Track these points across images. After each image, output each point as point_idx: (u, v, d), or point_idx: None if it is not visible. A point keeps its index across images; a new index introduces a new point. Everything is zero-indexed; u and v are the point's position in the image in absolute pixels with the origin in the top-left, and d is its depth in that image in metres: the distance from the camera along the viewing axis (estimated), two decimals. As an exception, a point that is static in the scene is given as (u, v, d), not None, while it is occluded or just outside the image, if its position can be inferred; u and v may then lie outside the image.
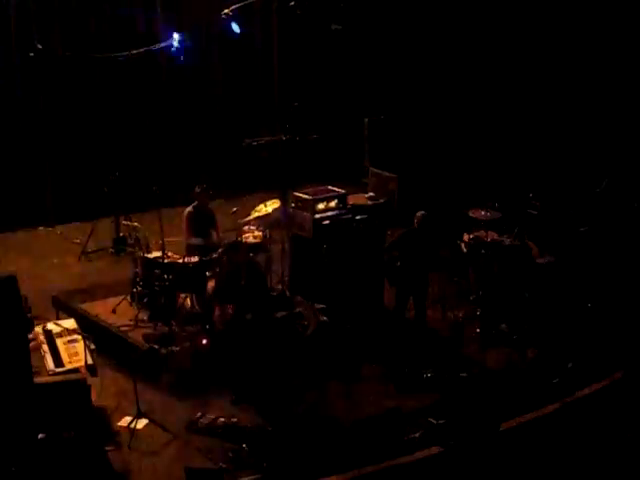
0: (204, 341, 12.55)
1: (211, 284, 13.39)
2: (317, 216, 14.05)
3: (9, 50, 14.18)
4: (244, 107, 17.55)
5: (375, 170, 18.54)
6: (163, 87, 16.58)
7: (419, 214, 13.34)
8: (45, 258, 16.31)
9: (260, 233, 13.63)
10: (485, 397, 11.54)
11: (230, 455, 10.68)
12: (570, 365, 12.47)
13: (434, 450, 10.89)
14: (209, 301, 13.30)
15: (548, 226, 14.39)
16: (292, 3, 14.36)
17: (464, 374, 12.45)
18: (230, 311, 12.18)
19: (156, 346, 12.55)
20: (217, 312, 12.45)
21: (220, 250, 13.35)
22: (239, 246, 12.88)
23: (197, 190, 14.05)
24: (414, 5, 18.47)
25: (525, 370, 12.51)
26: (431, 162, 18.88)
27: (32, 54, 12.89)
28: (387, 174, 18.87)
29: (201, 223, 14.06)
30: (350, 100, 18.86)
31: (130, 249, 14.04)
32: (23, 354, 9.04)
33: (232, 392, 11.94)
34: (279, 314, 12.98)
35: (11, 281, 8.72)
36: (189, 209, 14.07)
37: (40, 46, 13.05)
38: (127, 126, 17.01)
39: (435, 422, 11.09)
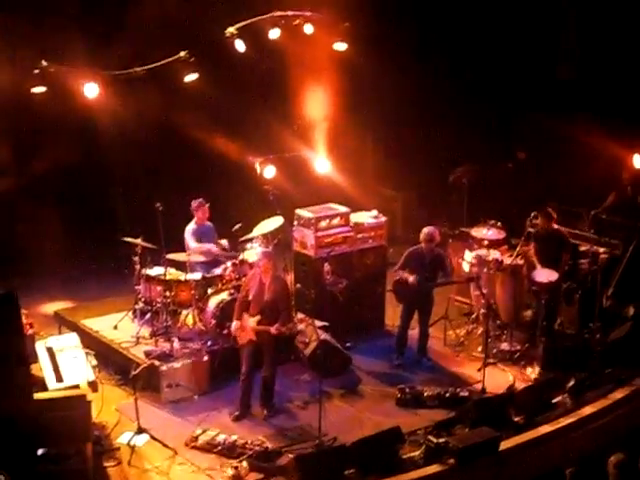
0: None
1: (214, 300, 13.41)
2: (319, 234, 14.08)
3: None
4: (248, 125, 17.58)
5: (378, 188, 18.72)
6: (168, 104, 16.59)
7: (425, 230, 13.38)
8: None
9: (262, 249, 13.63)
10: (484, 416, 11.50)
11: (230, 472, 10.66)
12: (572, 384, 12.40)
13: (434, 469, 10.85)
14: (213, 317, 13.31)
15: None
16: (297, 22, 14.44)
17: (465, 393, 12.42)
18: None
19: (157, 362, 12.55)
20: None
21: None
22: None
23: (194, 205, 14.11)
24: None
25: (526, 389, 12.45)
26: (433, 180, 18.95)
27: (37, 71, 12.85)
28: (390, 192, 19.07)
29: (203, 237, 14.11)
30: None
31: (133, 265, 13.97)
32: (23, 369, 9.04)
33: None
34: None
35: (10, 297, 8.72)
36: (192, 226, 14.11)
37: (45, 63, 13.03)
38: (132, 143, 17.07)
39: (435, 441, 11.04)
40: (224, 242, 14.23)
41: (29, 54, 13.25)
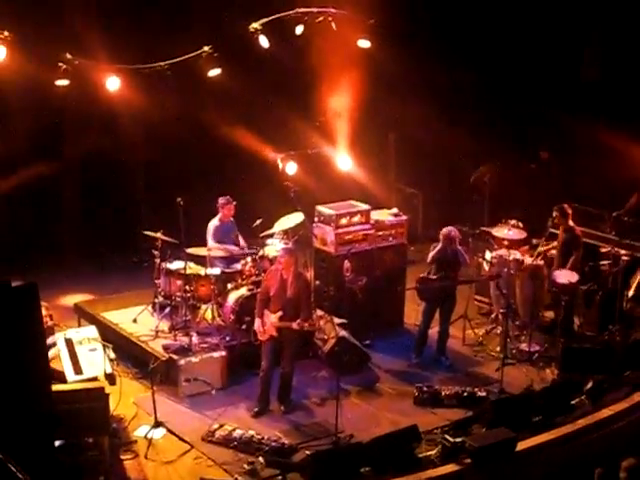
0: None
1: (233, 295, 13.43)
2: (340, 231, 14.08)
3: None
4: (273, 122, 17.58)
5: (399, 186, 18.67)
6: (190, 99, 16.61)
7: (444, 231, 13.37)
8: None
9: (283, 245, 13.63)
10: (502, 416, 11.47)
11: (246, 467, 10.67)
12: (590, 386, 12.35)
13: (450, 468, 10.83)
14: (232, 312, 13.33)
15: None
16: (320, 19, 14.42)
17: (483, 393, 12.39)
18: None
19: (175, 356, 12.58)
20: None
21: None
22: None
23: (221, 201, 14.13)
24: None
25: (544, 390, 12.41)
26: (455, 179, 18.92)
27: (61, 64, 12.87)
28: (411, 190, 19.02)
29: (225, 234, 14.13)
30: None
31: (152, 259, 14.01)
32: (42, 361, 9.07)
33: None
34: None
35: (31, 289, 8.75)
36: (215, 222, 14.12)
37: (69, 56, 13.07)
38: (154, 138, 17.12)
39: (452, 440, 11.02)
40: (242, 243, 14.25)
41: (53, 47, 13.26)
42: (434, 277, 13.37)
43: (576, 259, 13.95)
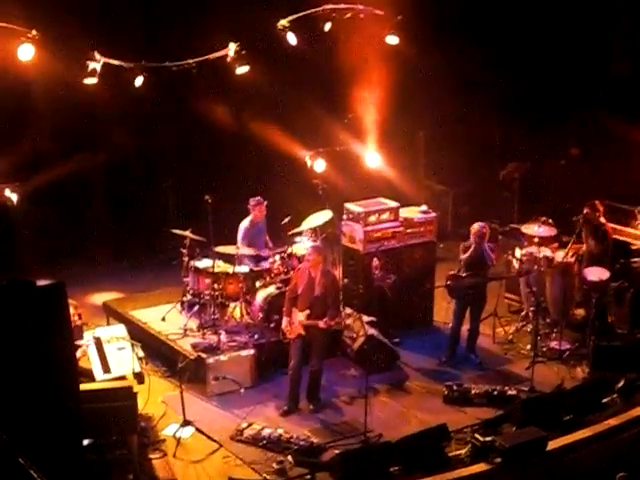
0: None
1: (262, 294, 13.40)
2: (368, 228, 14.02)
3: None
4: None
5: (429, 183, 18.59)
6: (219, 97, 16.60)
7: (475, 227, 13.28)
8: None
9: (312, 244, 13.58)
10: (532, 415, 11.38)
11: (274, 467, 10.65)
12: (622, 384, 12.23)
13: (480, 467, 10.76)
14: (260, 310, 13.31)
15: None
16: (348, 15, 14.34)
17: (513, 391, 12.29)
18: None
19: (204, 355, 12.56)
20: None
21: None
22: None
23: (252, 203, 14.09)
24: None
25: (575, 388, 12.30)
26: (484, 175, 18.82)
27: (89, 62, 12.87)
28: (441, 187, 18.94)
29: (256, 236, 14.09)
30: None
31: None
32: (69, 361, 9.06)
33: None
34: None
35: (59, 288, 8.74)
36: (246, 224, 14.08)
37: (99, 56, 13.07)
38: (183, 136, 17.14)
39: (482, 439, 10.95)
40: (270, 245, 14.25)
41: (81, 46, 13.28)
42: (464, 275, 13.28)
43: (604, 253, 13.83)
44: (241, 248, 13.79)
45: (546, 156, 18.61)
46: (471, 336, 13.59)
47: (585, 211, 13.92)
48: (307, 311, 11.96)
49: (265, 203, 14.17)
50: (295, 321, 12.00)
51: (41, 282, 8.70)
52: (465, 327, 13.63)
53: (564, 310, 13.96)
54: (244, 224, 14.14)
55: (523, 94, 18.72)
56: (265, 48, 14.41)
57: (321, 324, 11.85)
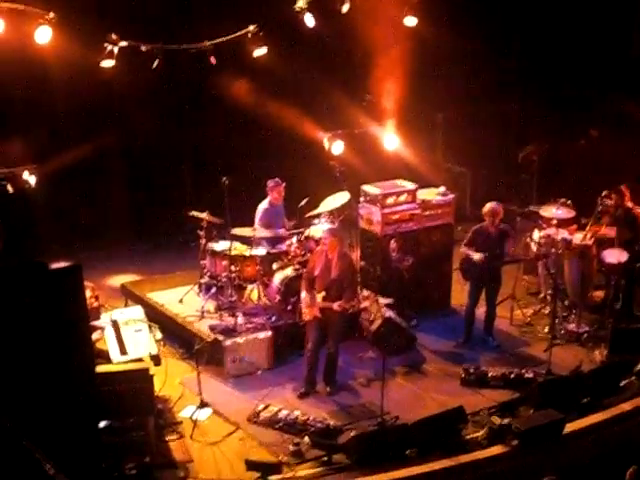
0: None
1: (279, 276, 13.40)
2: (386, 211, 13.99)
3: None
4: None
5: (447, 165, 18.50)
6: (236, 79, 16.58)
7: (487, 207, 13.23)
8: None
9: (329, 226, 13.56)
10: (550, 398, 11.35)
11: (291, 448, 10.68)
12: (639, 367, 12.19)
13: (497, 450, 10.76)
14: (278, 293, 13.31)
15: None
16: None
17: (530, 374, 12.26)
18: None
19: (221, 337, 12.58)
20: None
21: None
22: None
23: (271, 184, 14.07)
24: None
25: (593, 371, 12.25)
26: (503, 157, 18.74)
27: (106, 44, 12.86)
28: (459, 169, 18.87)
29: (274, 217, 14.08)
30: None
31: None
32: (85, 342, 9.08)
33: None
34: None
35: (76, 270, 8.75)
36: (265, 205, 14.06)
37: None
38: (200, 118, 17.14)
39: (499, 422, 10.94)
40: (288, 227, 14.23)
41: (98, 28, 13.28)
42: (477, 257, 13.19)
43: (637, 238, 13.76)
44: (258, 230, 13.77)
45: (565, 138, 18.50)
46: (488, 319, 13.55)
47: (613, 197, 13.83)
48: (323, 293, 11.96)
49: (283, 185, 14.14)
50: (312, 302, 12.00)
51: (57, 264, 8.72)
52: (482, 309, 13.59)
53: (582, 293, 13.92)
54: (262, 206, 14.10)
55: (542, 75, 18.61)
56: (283, 30, 14.36)
57: (335, 306, 11.86)
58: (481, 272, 13.23)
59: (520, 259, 14.31)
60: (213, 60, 13.22)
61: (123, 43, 12.88)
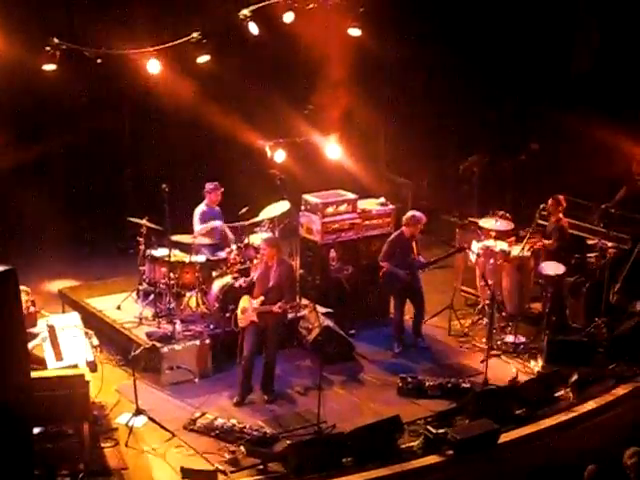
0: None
1: (218, 283, 13.36)
2: (326, 220, 14.02)
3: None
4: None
5: (390, 176, 18.58)
6: (178, 85, 16.54)
7: (410, 214, 13.43)
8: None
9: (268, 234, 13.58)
10: (486, 408, 11.42)
11: (227, 456, 10.63)
12: (575, 378, 12.29)
13: (432, 459, 10.80)
14: (216, 300, 13.27)
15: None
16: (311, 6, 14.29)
17: (467, 384, 12.33)
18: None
19: (158, 344, 12.51)
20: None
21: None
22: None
23: (209, 187, 14.05)
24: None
25: (528, 382, 12.36)
26: (445, 169, 18.88)
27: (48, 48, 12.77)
28: (402, 180, 18.97)
29: (211, 220, 14.05)
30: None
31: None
32: (20, 348, 8.99)
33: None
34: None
35: (10, 274, 8.66)
36: (202, 208, 14.05)
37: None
38: (141, 124, 17.08)
39: (434, 431, 10.98)
40: (230, 236, 14.19)
41: (40, 32, 13.19)
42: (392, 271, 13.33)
43: (560, 249, 13.94)
44: (198, 238, 13.73)
45: (506, 151, 18.67)
46: (416, 320, 13.68)
47: (549, 202, 14.00)
48: (261, 298, 11.95)
49: (222, 189, 14.14)
50: (248, 308, 11.99)
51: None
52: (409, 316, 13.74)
53: (519, 304, 14.05)
54: (200, 208, 14.10)
55: (484, 88, 18.78)
56: (227, 38, 14.37)
57: (275, 308, 11.82)
58: (403, 286, 13.34)
59: (437, 260, 14.26)
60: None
61: (63, 46, 12.80)
